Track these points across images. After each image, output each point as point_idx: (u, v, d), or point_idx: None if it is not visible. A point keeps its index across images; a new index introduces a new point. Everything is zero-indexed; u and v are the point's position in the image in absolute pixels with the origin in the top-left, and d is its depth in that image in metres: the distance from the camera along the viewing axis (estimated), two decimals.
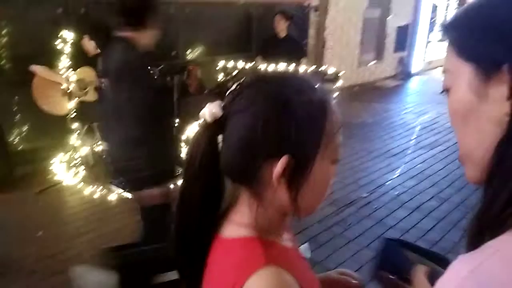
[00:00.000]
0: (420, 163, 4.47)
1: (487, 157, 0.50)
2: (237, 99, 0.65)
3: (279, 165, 0.61)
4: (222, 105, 0.66)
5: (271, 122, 0.61)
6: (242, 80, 0.68)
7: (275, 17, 5.13)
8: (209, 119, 0.65)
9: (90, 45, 3.76)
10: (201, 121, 0.67)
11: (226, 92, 0.68)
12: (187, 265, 0.72)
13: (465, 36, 0.52)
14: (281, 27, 5.13)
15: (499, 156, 0.48)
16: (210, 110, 0.65)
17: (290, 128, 0.61)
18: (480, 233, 0.50)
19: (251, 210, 0.66)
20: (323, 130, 0.63)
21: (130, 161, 2.11)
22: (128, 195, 3.45)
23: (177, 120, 4.29)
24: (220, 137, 0.66)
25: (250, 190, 0.66)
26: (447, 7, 11.04)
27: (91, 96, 3.83)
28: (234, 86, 0.68)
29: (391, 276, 0.82)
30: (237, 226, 0.67)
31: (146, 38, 2.20)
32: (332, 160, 0.66)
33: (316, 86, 0.66)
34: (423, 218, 3.33)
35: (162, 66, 4.02)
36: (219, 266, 0.66)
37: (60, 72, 3.62)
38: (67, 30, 3.63)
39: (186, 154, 0.68)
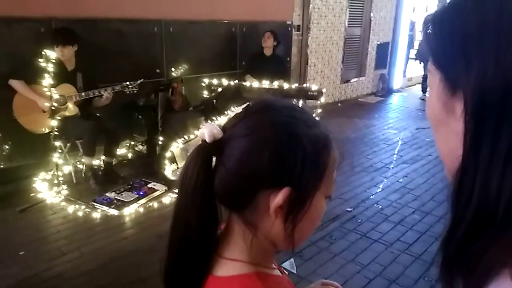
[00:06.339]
0: (403, 177, 4.54)
1: (454, 169, 0.45)
2: (242, 123, 0.62)
3: (280, 196, 0.58)
4: (222, 127, 0.64)
5: (278, 150, 0.59)
6: (248, 105, 0.65)
7: (265, 33, 5.25)
8: (208, 139, 0.61)
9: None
10: (192, 139, 0.65)
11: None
12: None
13: (437, 41, 0.47)
14: (269, 44, 5.27)
15: (459, 183, 0.43)
16: (210, 131, 0.61)
17: (296, 160, 0.59)
18: (449, 269, 0.45)
19: (246, 242, 0.63)
20: (326, 166, 0.62)
21: None
22: (112, 212, 3.44)
23: (161, 138, 4.30)
24: (214, 159, 0.63)
25: (244, 219, 0.63)
26: None
27: (72, 111, 3.82)
28: (239, 110, 0.65)
29: None
30: (231, 262, 0.63)
31: None
32: (326, 195, 0.65)
33: (318, 121, 0.65)
34: (406, 231, 3.37)
35: (141, 81, 4.04)
36: None
37: (44, 89, 3.60)
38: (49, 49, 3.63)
39: (181, 174, 0.64)
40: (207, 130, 0.62)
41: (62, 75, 3.71)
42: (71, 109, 3.81)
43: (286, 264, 2.79)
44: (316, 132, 0.62)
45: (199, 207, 0.62)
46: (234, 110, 0.67)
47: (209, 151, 0.62)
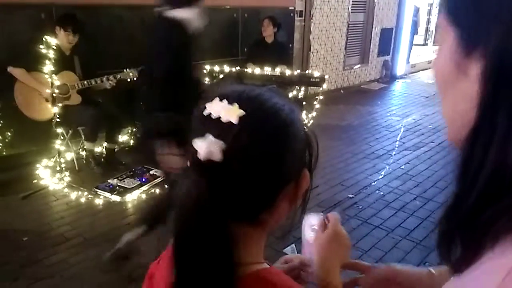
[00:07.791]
0: (405, 164, 4.54)
1: (460, 133, 0.43)
2: (244, 126, 0.56)
3: (307, 181, 0.63)
4: (212, 140, 0.55)
5: (293, 142, 0.60)
6: (234, 113, 0.56)
7: (263, 21, 5.19)
8: (216, 157, 0.54)
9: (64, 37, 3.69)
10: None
11: (211, 97, 0.61)
12: None
13: None
14: (269, 32, 5.19)
15: (470, 148, 0.41)
16: (214, 147, 0.54)
17: (303, 144, 0.62)
18: (449, 238, 0.43)
19: (252, 244, 0.62)
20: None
21: None
22: (115, 199, 3.46)
23: None
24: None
25: (252, 225, 0.61)
26: (429, 10, 11.24)
27: (75, 100, 3.82)
28: (223, 117, 0.56)
29: None
30: (242, 267, 0.59)
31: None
32: None
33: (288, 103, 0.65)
34: (407, 218, 3.38)
35: (142, 67, 4.01)
36: None
37: (45, 77, 3.59)
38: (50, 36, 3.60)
39: (177, 208, 0.56)
40: (209, 148, 0.54)
41: (61, 61, 3.69)
42: (75, 98, 3.81)
43: (287, 250, 2.80)
44: (297, 115, 0.64)
45: (216, 231, 0.55)
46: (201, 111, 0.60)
47: (215, 171, 0.54)
